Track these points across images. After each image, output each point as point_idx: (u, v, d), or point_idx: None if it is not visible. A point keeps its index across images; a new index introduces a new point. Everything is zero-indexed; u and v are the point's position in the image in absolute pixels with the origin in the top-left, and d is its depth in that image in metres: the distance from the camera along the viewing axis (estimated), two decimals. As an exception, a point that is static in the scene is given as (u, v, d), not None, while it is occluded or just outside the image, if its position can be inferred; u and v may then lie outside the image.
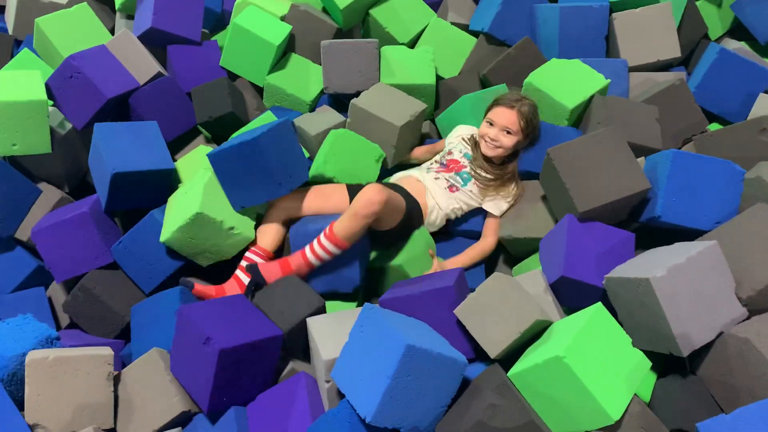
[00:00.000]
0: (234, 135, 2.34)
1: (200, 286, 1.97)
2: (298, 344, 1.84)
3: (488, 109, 2.22)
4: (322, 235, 1.92)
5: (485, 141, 2.19)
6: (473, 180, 2.19)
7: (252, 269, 1.94)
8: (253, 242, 2.07)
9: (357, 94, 2.55)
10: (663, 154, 1.91)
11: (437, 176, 2.22)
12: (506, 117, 2.15)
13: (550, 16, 2.61)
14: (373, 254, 2.12)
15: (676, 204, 1.83)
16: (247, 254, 2.03)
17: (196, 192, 1.99)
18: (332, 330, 1.72)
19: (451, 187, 2.20)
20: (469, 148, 2.26)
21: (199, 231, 1.98)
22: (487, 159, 2.21)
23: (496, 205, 2.18)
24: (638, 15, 2.62)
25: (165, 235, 2.00)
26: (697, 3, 2.93)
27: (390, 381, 1.40)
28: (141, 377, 1.78)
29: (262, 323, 1.76)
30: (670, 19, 2.63)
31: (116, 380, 1.78)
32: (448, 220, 2.23)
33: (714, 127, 2.58)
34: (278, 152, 1.98)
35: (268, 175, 1.97)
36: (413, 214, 2.10)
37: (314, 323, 1.76)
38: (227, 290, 1.98)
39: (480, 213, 2.24)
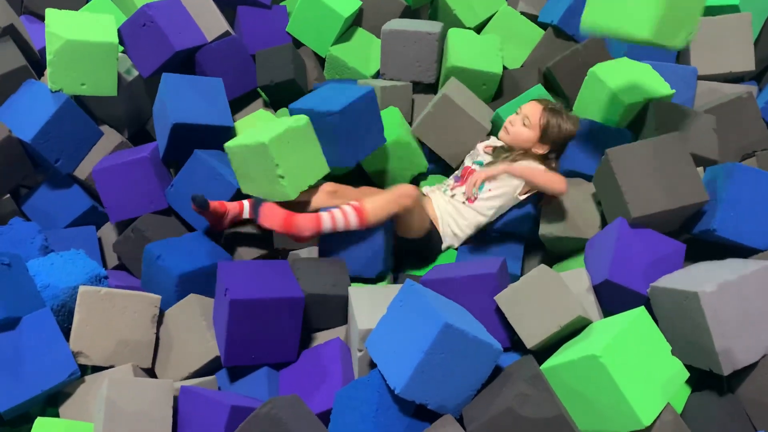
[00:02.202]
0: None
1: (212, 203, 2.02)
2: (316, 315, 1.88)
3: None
4: (348, 207, 1.92)
5: (504, 127, 2.17)
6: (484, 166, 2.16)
7: (257, 204, 1.97)
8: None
9: (415, 85, 2.57)
10: (725, 166, 1.87)
11: (453, 193, 2.19)
12: (531, 108, 2.13)
13: (624, 15, 2.55)
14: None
15: (733, 219, 1.78)
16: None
17: (276, 129, 1.97)
18: (372, 302, 1.75)
19: (469, 199, 2.14)
20: (481, 155, 2.24)
21: (255, 159, 1.97)
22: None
23: (527, 163, 2.10)
24: (715, 23, 2.54)
25: (231, 143, 2.03)
26: (780, 17, 2.83)
27: (424, 356, 1.41)
28: (178, 322, 1.85)
29: (288, 285, 1.77)
30: (748, 31, 2.54)
31: (158, 323, 1.84)
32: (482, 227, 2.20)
33: (779, 145, 2.50)
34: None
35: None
36: (433, 234, 2.13)
37: (355, 293, 1.79)
38: (228, 207, 2.08)
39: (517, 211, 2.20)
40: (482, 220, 2.15)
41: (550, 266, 2.14)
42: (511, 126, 2.15)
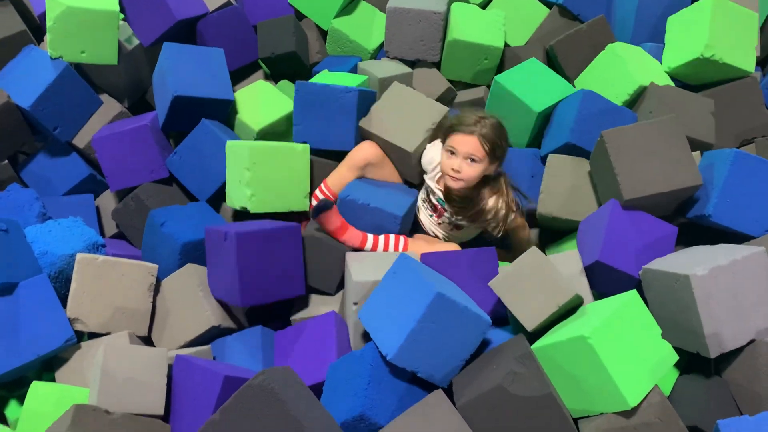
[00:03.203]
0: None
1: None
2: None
3: (446, 135, 1.95)
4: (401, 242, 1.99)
5: (448, 174, 1.93)
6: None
7: (324, 205, 1.92)
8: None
9: (416, 62, 2.54)
10: (723, 152, 1.87)
11: (440, 221, 2.10)
12: (468, 144, 1.88)
13: (630, -4, 2.53)
14: None
15: (729, 205, 1.79)
16: (317, 192, 2.10)
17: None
18: (368, 264, 1.80)
19: (457, 227, 2.09)
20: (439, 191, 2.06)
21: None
22: (451, 193, 2.00)
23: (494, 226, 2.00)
24: (722, 7, 2.51)
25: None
26: (787, 3, 2.80)
27: (415, 324, 1.46)
28: (175, 291, 1.86)
29: (279, 224, 1.89)
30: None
31: (155, 292, 1.86)
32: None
33: (780, 132, 2.49)
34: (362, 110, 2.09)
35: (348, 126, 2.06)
36: None
37: (352, 256, 1.84)
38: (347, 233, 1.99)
39: None
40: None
41: (544, 242, 2.17)
42: (459, 173, 1.90)
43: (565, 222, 2.07)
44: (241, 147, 1.98)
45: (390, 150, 2.11)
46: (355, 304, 1.70)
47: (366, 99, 2.13)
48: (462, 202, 2.01)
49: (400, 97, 2.15)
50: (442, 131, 2.00)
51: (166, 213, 2.02)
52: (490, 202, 1.97)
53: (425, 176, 2.10)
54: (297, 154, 2.04)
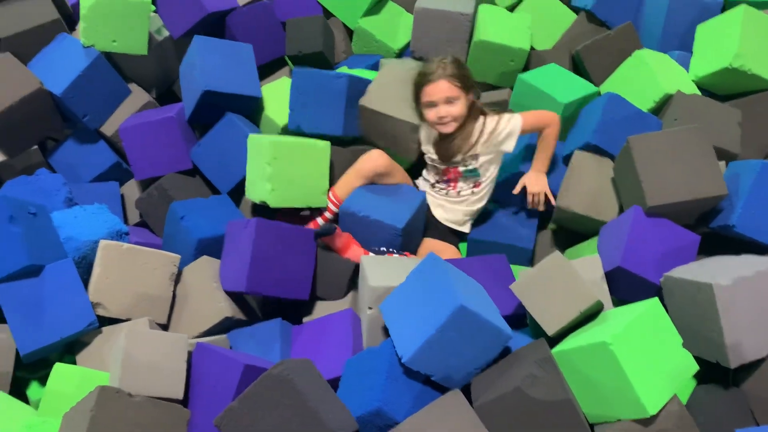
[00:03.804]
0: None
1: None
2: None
3: (418, 93, 2.04)
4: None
5: (438, 124, 2.03)
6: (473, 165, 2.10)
7: (325, 231, 1.98)
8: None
9: None
10: (750, 163, 1.86)
11: (459, 190, 2.14)
12: (440, 90, 1.98)
13: (659, 3, 2.51)
14: None
15: (753, 216, 1.77)
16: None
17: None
18: (384, 268, 1.79)
19: (476, 185, 2.13)
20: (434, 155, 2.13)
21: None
22: (448, 137, 2.06)
23: (508, 138, 2.05)
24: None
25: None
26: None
27: (435, 332, 1.44)
28: (191, 282, 1.89)
29: (299, 227, 1.94)
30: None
31: (176, 282, 1.88)
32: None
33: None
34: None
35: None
36: None
37: (367, 260, 1.83)
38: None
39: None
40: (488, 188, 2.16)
41: (563, 244, 2.15)
42: (444, 117, 2.00)
43: (582, 219, 2.04)
44: (263, 141, 2.00)
45: (391, 126, 2.13)
46: (370, 308, 1.69)
47: (359, 86, 2.14)
48: (464, 138, 2.05)
49: (395, 73, 2.19)
50: (413, 93, 2.07)
51: (186, 206, 2.04)
52: (489, 123, 2.05)
53: (429, 158, 2.13)
54: (318, 150, 2.05)
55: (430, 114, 2.02)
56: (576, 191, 2.04)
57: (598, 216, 2.01)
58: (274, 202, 1.99)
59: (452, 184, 2.14)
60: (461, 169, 2.11)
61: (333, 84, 2.12)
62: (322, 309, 1.94)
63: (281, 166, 1.98)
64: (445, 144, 2.08)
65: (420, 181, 2.25)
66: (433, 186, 2.18)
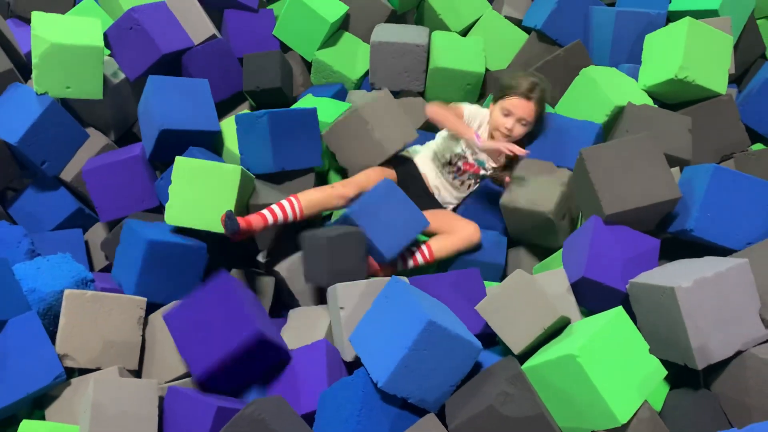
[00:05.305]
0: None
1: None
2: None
3: (500, 96, 2.15)
4: (424, 247, 2.09)
5: (500, 132, 2.15)
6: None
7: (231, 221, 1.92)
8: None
9: (401, 92, 2.61)
10: (703, 167, 1.90)
11: (462, 179, 2.27)
12: (524, 109, 2.12)
13: (606, 20, 2.59)
14: None
15: (710, 219, 1.82)
16: (284, 201, 2.04)
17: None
18: (356, 290, 1.79)
19: (476, 183, 2.29)
20: (479, 154, 2.23)
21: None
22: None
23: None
24: (695, 28, 2.58)
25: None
26: (758, 21, 2.87)
27: (407, 351, 1.45)
28: (161, 325, 1.85)
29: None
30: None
31: (144, 325, 1.85)
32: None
33: (757, 147, 2.54)
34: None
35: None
36: None
37: (341, 286, 1.80)
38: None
39: None
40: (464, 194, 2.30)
41: (534, 259, 2.18)
42: (511, 132, 2.14)
43: (524, 214, 2.04)
44: (177, 159, 2.00)
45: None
46: (342, 308, 1.72)
47: (282, 121, 2.11)
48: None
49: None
50: (496, 89, 2.21)
51: (141, 223, 2.01)
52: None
53: (461, 148, 2.22)
54: (224, 173, 1.99)
55: (502, 120, 2.14)
56: (516, 188, 2.08)
57: (535, 207, 2.01)
58: (169, 219, 1.98)
59: (463, 176, 2.26)
60: (482, 172, 2.25)
61: (257, 124, 2.10)
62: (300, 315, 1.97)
63: (181, 184, 1.96)
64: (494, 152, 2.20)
65: (423, 153, 2.29)
66: (443, 165, 2.25)
